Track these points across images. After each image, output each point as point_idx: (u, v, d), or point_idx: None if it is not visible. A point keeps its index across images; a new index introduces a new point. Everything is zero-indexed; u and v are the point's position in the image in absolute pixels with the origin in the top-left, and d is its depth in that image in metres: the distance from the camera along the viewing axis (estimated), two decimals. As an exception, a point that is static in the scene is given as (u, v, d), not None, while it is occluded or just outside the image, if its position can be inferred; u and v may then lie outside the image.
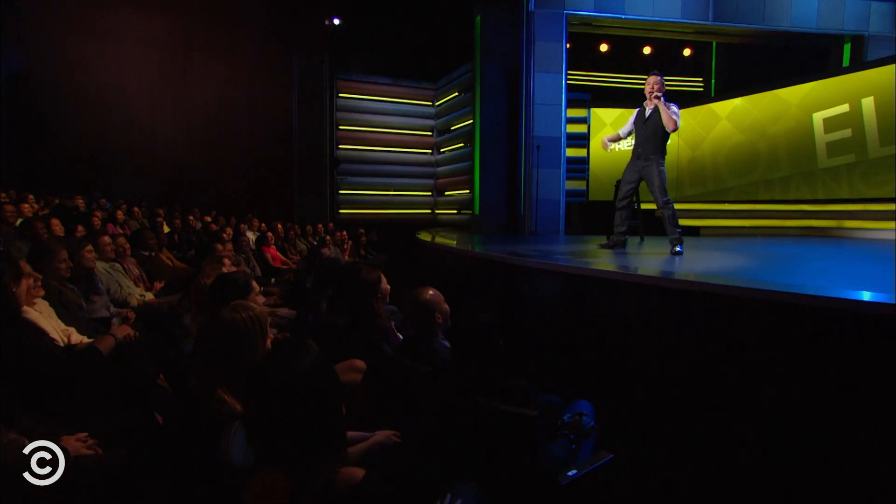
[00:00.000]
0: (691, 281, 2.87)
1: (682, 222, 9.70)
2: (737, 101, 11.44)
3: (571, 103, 10.37)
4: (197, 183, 10.86)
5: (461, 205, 10.94)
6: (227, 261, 3.07)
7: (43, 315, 2.65)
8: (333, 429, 1.34)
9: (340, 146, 11.30)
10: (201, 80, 10.93)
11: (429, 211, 12.19)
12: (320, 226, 9.65)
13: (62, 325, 2.67)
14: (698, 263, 4.45)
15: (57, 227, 4.95)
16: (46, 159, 10.00)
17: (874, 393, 2.11)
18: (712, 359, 2.78)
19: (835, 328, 2.28)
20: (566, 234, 8.65)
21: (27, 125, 9.84)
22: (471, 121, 10.05)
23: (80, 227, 5.35)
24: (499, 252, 4.63)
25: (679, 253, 4.68)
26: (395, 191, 11.87)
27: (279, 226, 7.83)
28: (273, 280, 5.65)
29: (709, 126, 11.82)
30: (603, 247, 5.37)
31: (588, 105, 10.96)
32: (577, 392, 2.95)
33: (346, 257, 8.38)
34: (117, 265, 4.37)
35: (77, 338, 2.64)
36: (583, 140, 10.89)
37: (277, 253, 7.36)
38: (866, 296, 2.28)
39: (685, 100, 12.74)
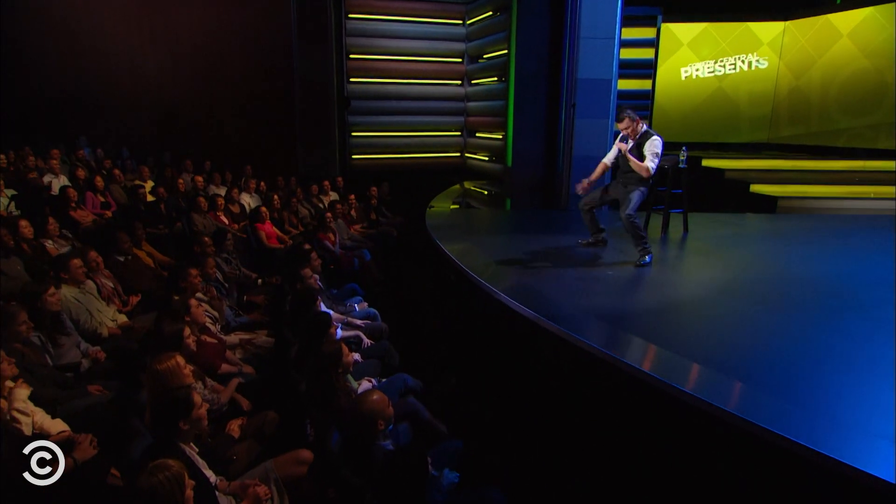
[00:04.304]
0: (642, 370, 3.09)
1: (755, 188, 9.50)
2: (867, 12, 10.38)
3: (633, 21, 9.89)
4: (187, 126, 11.38)
5: (493, 151, 11.00)
6: (190, 340, 3.57)
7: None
8: None
9: (352, 79, 11.37)
10: (184, 4, 11.11)
11: (457, 154, 12.28)
12: (327, 183, 10.04)
13: (30, 407, 3.26)
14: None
15: (26, 229, 5.61)
16: (13, 99, 10.61)
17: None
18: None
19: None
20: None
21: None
22: (506, 50, 9.87)
23: (51, 220, 6.03)
24: (486, 281, 4.88)
25: (646, 265, 5.31)
26: (418, 131, 11.98)
27: (275, 196, 8.29)
28: (260, 281, 6.21)
29: (823, 45, 10.87)
30: (583, 244, 6.11)
31: (658, 22, 10.46)
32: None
33: (351, 229, 8.84)
34: (90, 283, 4.99)
35: (41, 418, 3.24)
36: (647, 69, 10.49)
37: (273, 229, 7.89)
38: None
39: (795, 5, 11.62)
